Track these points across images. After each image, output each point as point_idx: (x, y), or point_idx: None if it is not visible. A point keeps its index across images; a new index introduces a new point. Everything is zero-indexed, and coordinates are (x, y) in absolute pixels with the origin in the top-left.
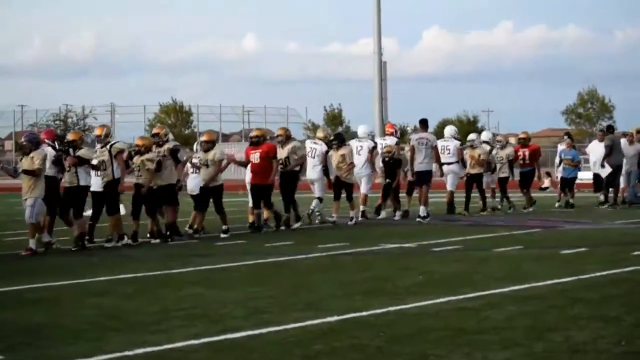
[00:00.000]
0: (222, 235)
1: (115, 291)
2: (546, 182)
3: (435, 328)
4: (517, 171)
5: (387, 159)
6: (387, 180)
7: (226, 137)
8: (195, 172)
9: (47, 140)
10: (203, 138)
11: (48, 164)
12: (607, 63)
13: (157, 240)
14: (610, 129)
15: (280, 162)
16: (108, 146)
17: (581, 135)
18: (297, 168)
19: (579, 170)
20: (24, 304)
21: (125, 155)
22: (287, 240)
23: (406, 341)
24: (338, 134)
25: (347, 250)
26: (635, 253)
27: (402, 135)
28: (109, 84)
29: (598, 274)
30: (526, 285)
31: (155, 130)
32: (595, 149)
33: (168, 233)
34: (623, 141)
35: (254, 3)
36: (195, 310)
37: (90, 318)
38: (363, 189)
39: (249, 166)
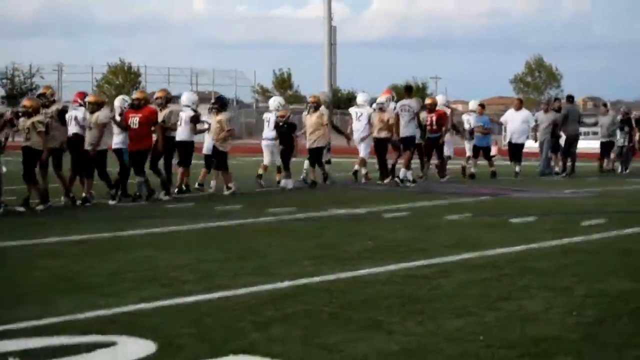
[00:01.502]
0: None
1: (64, 253)
2: (494, 150)
3: (387, 295)
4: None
5: (280, 123)
6: (281, 146)
7: (175, 99)
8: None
9: (77, 101)
10: (88, 99)
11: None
12: (554, 33)
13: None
14: (571, 98)
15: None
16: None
17: (530, 103)
18: (173, 133)
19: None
20: None
21: (7, 117)
22: (237, 204)
23: (359, 307)
24: (219, 98)
25: (296, 215)
26: (584, 223)
27: (350, 100)
28: (57, 43)
29: (548, 243)
30: (477, 254)
31: (41, 91)
32: (512, 119)
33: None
34: (472, 104)
35: None
36: (146, 273)
37: (40, 280)
38: (362, 153)
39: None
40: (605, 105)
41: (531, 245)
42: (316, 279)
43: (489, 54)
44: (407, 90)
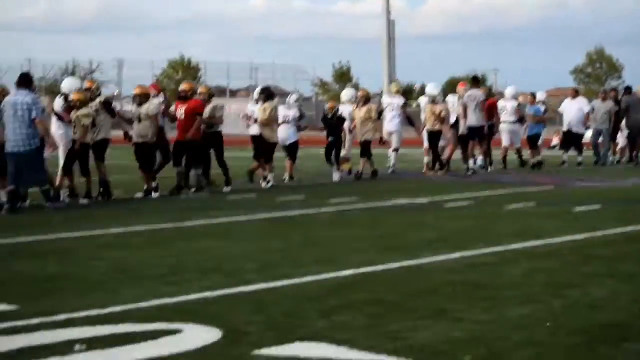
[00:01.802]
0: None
1: (128, 243)
2: (555, 140)
3: (452, 283)
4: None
5: (329, 116)
6: (330, 138)
7: (234, 93)
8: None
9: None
10: (135, 91)
11: None
12: (616, 24)
13: (86, 200)
14: (628, 89)
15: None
16: None
17: (590, 94)
18: (220, 128)
19: (544, 127)
20: (38, 255)
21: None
22: (298, 195)
23: (423, 296)
24: (266, 88)
25: (358, 205)
26: None
27: (409, 93)
28: (118, 40)
29: (612, 231)
30: (540, 242)
31: (86, 85)
32: (568, 108)
33: (102, 190)
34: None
35: None
36: (209, 263)
37: (104, 270)
38: (395, 144)
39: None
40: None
41: (595, 234)
42: (380, 267)
43: (549, 45)
44: (475, 81)
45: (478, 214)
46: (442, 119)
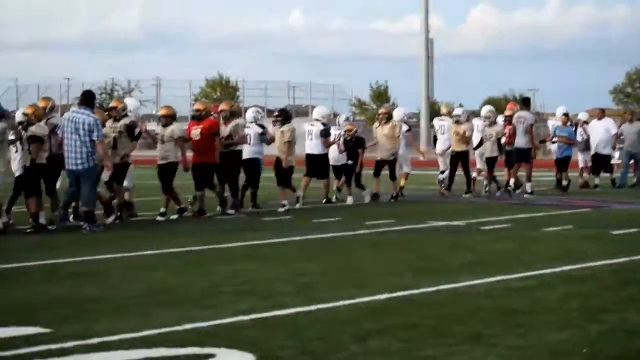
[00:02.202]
0: (172, 217)
1: (163, 265)
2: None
3: (487, 308)
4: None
5: (348, 138)
6: (349, 161)
7: (271, 112)
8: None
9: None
10: (161, 112)
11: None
12: None
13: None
14: None
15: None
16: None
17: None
18: (239, 147)
19: (573, 148)
20: (74, 277)
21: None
22: (334, 217)
23: (459, 320)
24: (283, 110)
25: (395, 227)
26: None
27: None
28: (156, 58)
29: None
30: (578, 266)
31: (113, 104)
32: (595, 128)
33: (119, 214)
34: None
35: None
36: (244, 286)
37: (139, 292)
38: (405, 168)
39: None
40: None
41: (633, 258)
42: (415, 291)
43: (588, 64)
44: (525, 102)
45: (515, 236)
46: (466, 139)
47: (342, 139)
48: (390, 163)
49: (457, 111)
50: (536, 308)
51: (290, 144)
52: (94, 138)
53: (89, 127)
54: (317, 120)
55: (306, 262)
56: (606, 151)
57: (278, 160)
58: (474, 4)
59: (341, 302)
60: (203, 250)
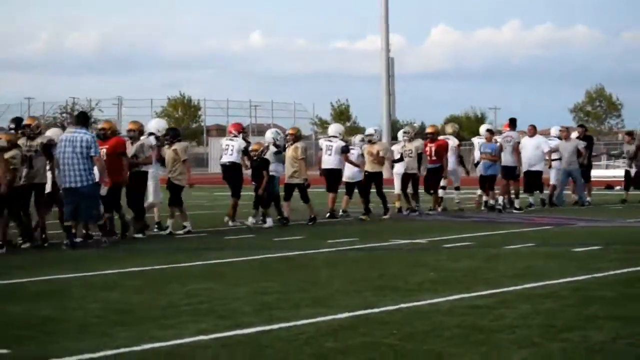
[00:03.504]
0: (136, 235)
1: (122, 284)
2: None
3: (449, 326)
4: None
5: (255, 157)
6: (253, 182)
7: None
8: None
9: (232, 132)
10: (129, 126)
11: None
12: (615, 63)
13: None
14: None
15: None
16: None
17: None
18: (144, 168)
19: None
20: (31, 296)
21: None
22: (297, 235)
23: (420, 339)
24: (172, 129)
25: (357, 245)
26: None
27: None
28: (117, 78)
29: (612, 272)
30: (540, 283)
31: (27, 121)
32: (526, 145)
33: (43, 236)
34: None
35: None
36: (204, 305)
37: (98, 312)
38: (455, 182)
39: None
40: (629, 134)
41: (595, 275)
42: (376, 310)
43: (548, 83)
44: (511, 122)
45: (477, 254)
46: (380, 159)
47: (357, 157)
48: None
49: (370, 130)
50: (498, 326)
51: (185, 162)
52: (92, 154)
53: (87, 144)
54: (334, 137)
55: (267, 280)
56: (536, 168)
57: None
58: (434, 24)
59: (302, 321)
60: (162, 269)
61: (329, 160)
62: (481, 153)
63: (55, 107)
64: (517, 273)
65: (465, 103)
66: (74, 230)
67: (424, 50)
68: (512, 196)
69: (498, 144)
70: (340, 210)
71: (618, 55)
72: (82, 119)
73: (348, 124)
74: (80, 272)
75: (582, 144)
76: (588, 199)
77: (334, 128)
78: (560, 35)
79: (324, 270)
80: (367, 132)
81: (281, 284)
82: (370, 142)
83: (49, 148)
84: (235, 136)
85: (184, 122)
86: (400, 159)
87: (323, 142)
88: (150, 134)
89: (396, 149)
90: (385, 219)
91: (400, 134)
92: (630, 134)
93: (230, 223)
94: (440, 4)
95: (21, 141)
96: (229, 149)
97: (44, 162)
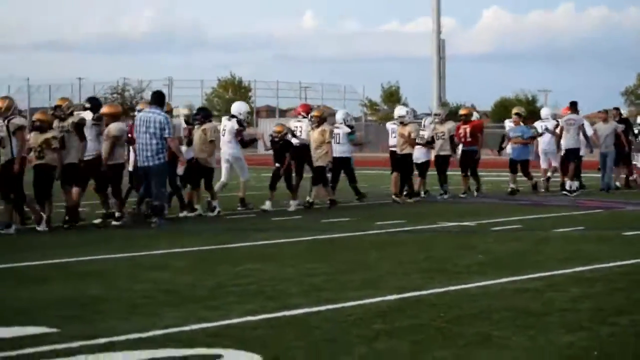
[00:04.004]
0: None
1: (170, 265)
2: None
3: (497, 309)
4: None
5: (276, 139)
6: (276, 164)
7: (283, 112)
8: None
9: (301, 114)
10: (103, 110)
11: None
12: None
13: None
14: None
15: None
16: (6, 121)
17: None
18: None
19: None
20: (79, 276)
21: (26, 132)
22: (345, 217)
23: (468, 322)
24: (202, 108)
25: (405, 228)
26: None
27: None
28: (168, 59)
29: None
30: (589, 267)
31: (57, 102)
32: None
33: (67, 218)
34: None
35: None
36: (252, 287)
37: (146, 292)
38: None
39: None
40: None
41: None
42: (424, 292)
43: (600, 66)
44: (572, 105)
45: (525, 237)
46: (412, 141)
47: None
48: (322, 169)
49: (401, 111)
50: (547, 310)
51: (213, 143)
52: (166, 135)
53: (160, 125)
54: (340, 123)
55: (314, 262)
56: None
57: (197, 162)
58: (486, 6)
59: (349, 303)
60: (210, 250)
61: (338, 148)
62: (510, 137)
63: (106, 88)
64: (566, 256)
65: (516, 85)
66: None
67: (476, 32)
68: (566, 179)
69: (548, 125)
70: (422, 192)
71: None
72: (157, 99)
73: (398, 105)
74: (127, 253)
75: (620, 127)
76: (617, 183)
77: (398, 111)
78: (613, 18)
79: (372, 252)
80: (398, 114)
81: (329, 265)
82: (402, 123)
83: (81, 127)
84: (305, 117)
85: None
86: (432, 142)
87: (389, 126)
88: (232, 116)
89: (426, 132)
90: (410, 201)
91: (427, 120)
92: None
93: (291, 202)
94: None
95: (54, 123)
96: (297, 130)
97: (76, 142)
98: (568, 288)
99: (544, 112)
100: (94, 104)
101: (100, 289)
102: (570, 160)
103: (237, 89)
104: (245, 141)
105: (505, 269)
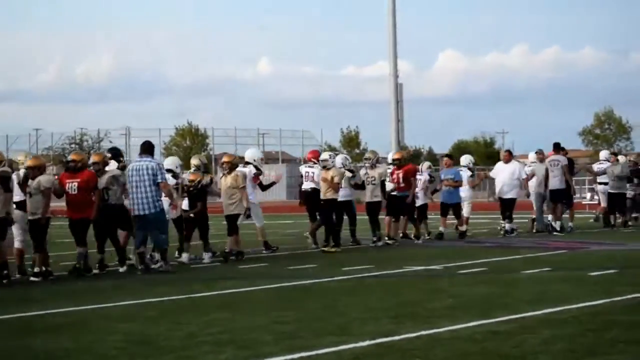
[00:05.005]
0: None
1: (140, 315)
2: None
3: (471, 352)
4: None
5: (191, 188)
6: (191, 214)
7: (241, 160)
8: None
9: (312, 160)
10: (27, 163)
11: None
12: (624, 84)
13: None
14: None
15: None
16: None
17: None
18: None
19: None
20: (51, 328)
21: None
22: (310, 264)
23: None
24: (113, 148)
25: (372, 272)
26: None
27: (417, 157)
28: (125, 108)
29: (630, 296)
30: (559, 308)
31: None
32: (501, 171)
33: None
34: (531, 156)
35: (268, 27)
36: (224, 336)
37: (119, 343)
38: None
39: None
40: (615, 154)
41: (614, 299)
42: (397, 337)
43: (557, 106)
44: (556, 147)
45: (493, 279)
46: (335, 185)
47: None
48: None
49: (324, 156)
50: (520, 352)
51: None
52: (159, 180)
53: (153, 172)
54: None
55: (285, 309)
56: (510, 195)
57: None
58: (441, 49)
59: (323, 350)
60: (179, 299)
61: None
62: (442, 179)
63: (64, 138)
64: (535, 298)
65: (474, 127)
66: (147, 256)
67: (432, 75)
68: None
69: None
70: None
71: (627, 77)
72: (148, 148)
73: (357, 151)
74: (95, 304)
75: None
76: (570, 223)
77: (322, 155)
78: (568, 58)
79: (342, 298)
80: (321, 158)
81: (299, 312)
82: (325, 167)
83: (6, 180)
84: (315, 163)
85: (193, 151)
86: (362, 186)
87: (302, 169)
88: (247, 163)
89: (361, 174)
90: (331, 251)
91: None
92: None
93: (312, 245)
94: (447, 30)
95: None
96: (308, 176)
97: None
98: (539, 330)
99: (531, 157)
100: (114, 153)
101: (74, 341)
102: (557, 201)
103: (194, 136)
104: (264, 185)
105: (476, 312)
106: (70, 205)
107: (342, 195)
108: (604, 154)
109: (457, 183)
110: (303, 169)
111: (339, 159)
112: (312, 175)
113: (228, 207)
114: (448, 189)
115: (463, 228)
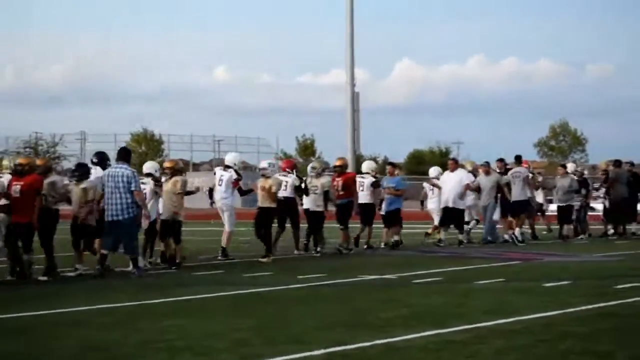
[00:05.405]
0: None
1: (94, 322)
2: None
3: None
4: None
5: None
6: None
7: (197, 166)
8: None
9: (287, 169)
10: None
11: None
12: (580, 97)
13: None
14: (618, 163)
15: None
16: None
17: (554, 168)
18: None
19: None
20: (4, 334)
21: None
22: (266, 271)
23: None
24: (79, 164)
25: (327, 281)
26: (618, 286)
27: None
28: (81, 112)
29: (584, 307)
30: (512, 319)
31: None
32: (447, 180)
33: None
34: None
35: (224, 34)
36: (179, 342)
37: (73, 349)
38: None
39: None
40: (563, 166)
41: (567, 310)
42: (351, 346)
43: (513, 117)
44: (517, 159)
45: (447, 289)
46: (272, 195)
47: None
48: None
49: (263, 164)
50: None
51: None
52: (132, 188)
53: (128, 179)
54: (367, 173)
55: (240, 317)
56: (457, 205)
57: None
58: (398, 59)
59: (278, 358)
60: (133, 305)
61: (362, 196)
62: (384, 188)
63: (19, 142)
64: (490, 308)
65: (430, 137)
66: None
67: (389, 84)
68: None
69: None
70: (382, 243)
71: (582, 90)
72: (124, 155)
73: (313, 159)
74: (47, 310)
75: (505, 179)
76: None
77: (367, 165)
78: (525, 70)
79: (296, 306)
80: (260, 166)
81: (254, 320)
82: (264, 176)
83: None
84: (290, 172)
85: (148, 157)
86: (306, 192)
87: (357, 179)
88: (227, 167)
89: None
90: (264, 261)
91: (308, 169)
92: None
93: (296, 252)
94: (405, 39)
95: None
96: (283, 184)
97: None
98: (493, 340)
99: (364, 166)
100: (100, 158)
101: (26, 347)
102: (519, 211)
103: (150, 142)
104: (243, 190)
105: (430, 321)
106: (13, 209)
107: (365, 199)
108: (571, 166)
109: (398, 192)
110: (279, 178)
111: (366, 165)
112: (285, 184)
113: (168, 211)
114: (390, 197)
115: (397, 237)
